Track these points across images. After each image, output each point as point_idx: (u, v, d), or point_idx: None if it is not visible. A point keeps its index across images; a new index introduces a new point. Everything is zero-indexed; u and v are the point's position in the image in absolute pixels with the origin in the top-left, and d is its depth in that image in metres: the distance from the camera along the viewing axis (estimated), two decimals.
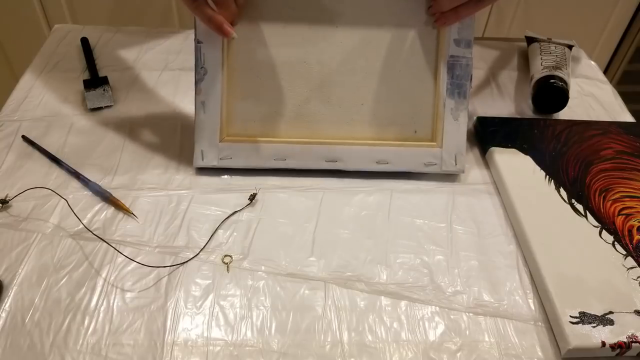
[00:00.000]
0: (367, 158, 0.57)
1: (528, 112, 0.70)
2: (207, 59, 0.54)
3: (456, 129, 0.57)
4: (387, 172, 0.58)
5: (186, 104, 0.66)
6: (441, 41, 0.55)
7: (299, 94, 0.57)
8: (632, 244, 0.51)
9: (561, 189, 0.56)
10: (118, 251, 0.49)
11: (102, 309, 0.45)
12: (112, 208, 0.54)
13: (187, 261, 0.49)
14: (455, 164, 0.57)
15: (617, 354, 0.44)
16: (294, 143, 0.57)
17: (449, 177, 0.59)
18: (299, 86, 0.57)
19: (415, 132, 0.58)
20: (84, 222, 0.52)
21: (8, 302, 0.45)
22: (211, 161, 0.57)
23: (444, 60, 0.56)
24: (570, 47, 0.76)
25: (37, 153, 0.59)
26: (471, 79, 0.56)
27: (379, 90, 0.57)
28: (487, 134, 0.62)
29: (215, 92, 0.55)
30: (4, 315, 0.44)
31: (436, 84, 0.57)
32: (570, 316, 0.44)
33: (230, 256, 0.50)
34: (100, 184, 0.55)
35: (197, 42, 0.54)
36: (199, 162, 0.57)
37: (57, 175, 0.56)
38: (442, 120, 0.57)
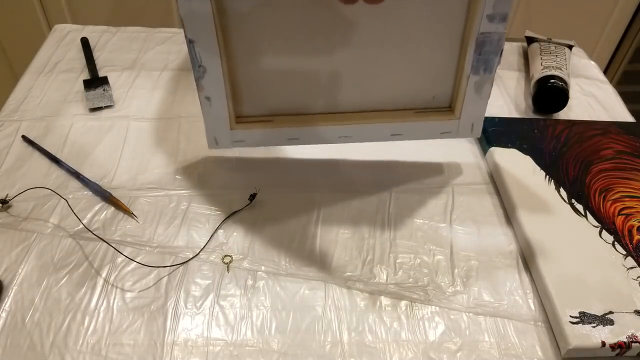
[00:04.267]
0: (383, 132, 0.55)
1: (528, 112, 0.70)
2: (204, 57, 0.51)
3: (477, 101, 0.54)
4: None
5: (186, 104, 0.67)
6: (472, 16, 0.50)
7: (308, 70, 0.53)
8: (632, 244, 0.51)
9: (561, 189, 0.56)
10: (118, 251, 0.49)
11: (102, 309, 0.45)
12: (112, 208, 0.54)
13: (187, 261, 0.49)
14: (472, 131, 0.55)
15: (617, 354, 0.44)
16: (306, 125, 0.54)
17: (449, 177, 0.59)
18: (307, 63, 0.53)
19: (434, 97, 0.55)
20: (84, 222, 0.52)
21: (8, 302, 0.45)
22: (225, 145, 0.55)
23: (472, 38, 0.50)
24: (570, 47, 0.76)
25: (37, 153, 0.59)
26: (501, 54, 0.52)
27: (397, 60, 0.53)
28: (487, 134, 0.62)
29: (219, 86, 0.53)
30: (4, 315, 0.44)
31: (461, 57, 0.53)
32: (570, 316, 0.44)
33: (230, 256, 0.50)
34: (100, 184, 0.55)
35: (189, 41, 0.50)
36: (213, 146, 0.55)
37: (57, 175, 0.56)
38: (464, 94, 0.53)
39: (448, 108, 0.55)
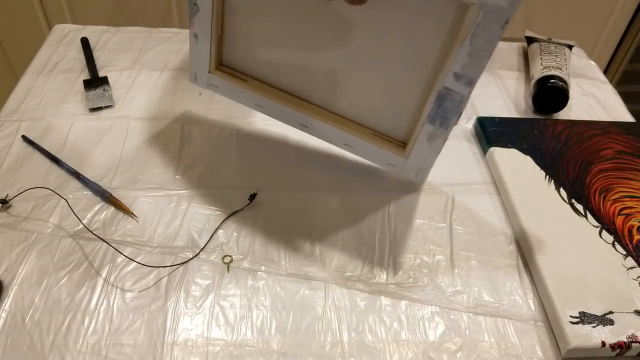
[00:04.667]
0: (336, 137, 0.56)
1: (528, 112, 0.70)
2: None
3: (427, 151, 0.53)
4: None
5: (186, 104, 0.67)
6: (440, 68, 0.49)
7: (290, 52, 0.54)
8: (632, 244, 0.51)
9: (561, 189, 0.56)
10: (118, 251, 0.49)
11: (102, 309, 0.45)
12: (112, 208, 0.54)
13: (187, 261, 0.49)
14: (416, 176, 0.55)
15: (617, 354, 0.44)
16: (275, 100, 0.57)
17: (449, 177, 0.59)
18: (288, 42, 0.53)
19: (395, 128, 0.55)
20: (84, 222, 0.52)
21: (8, 302, 0.45)
22: (202, 84, 0.60)
23: (436, 89, 0.49)
24: (570, 47, 0.76)
25: (37, 153, 0.59)
26: (459, 116, 0.50)
27: (372, 77, 0.53)
28: (487, 134, 0.62)
29: (206, 28, 0.55)
30: (4, 315, 0.44)
31: (420, 104, 0.52)
32: (570, 316, 0.44)
33: (230, 256, 0.50)
34: (100, 184, 0.55)
35: None
36: (192, 81, 0.60)
37: (57, 175, 0.56)
38: (416, 139, 0.53)
39: (402, 144, 0.55)
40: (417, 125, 0.52)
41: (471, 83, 0.47)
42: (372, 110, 0.55)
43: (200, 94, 0.68)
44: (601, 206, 0.54)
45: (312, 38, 0.53)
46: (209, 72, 0.58)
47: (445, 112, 0.50)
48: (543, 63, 0.71)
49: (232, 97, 0.59)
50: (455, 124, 0.51)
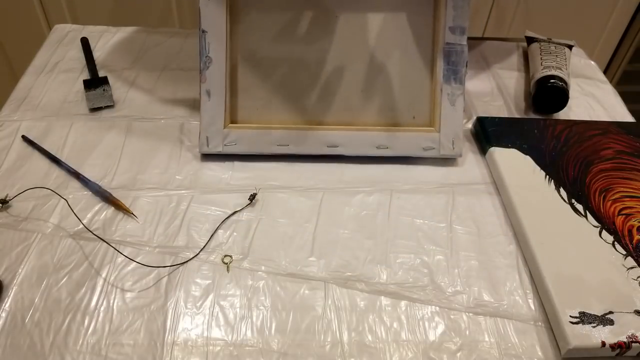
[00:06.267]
0: (367, 143, 0.59)
1: (528, 112, 0.70)
2: (212, 48, 0.56)
3: (453, 114, 0.59)
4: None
5: (186, 104, 0.67)
6: (437, 29, 0.58)
7: (301, 82, 0.58)
8: (632, 244, 0.51)
9: (561, 189, 0.56)
10: (118, 251, 0.49)
11: (102, 309, 0.45)
12: (112, 208, 0.54)
13: (187, 261, 0.49)
14: (453, 148, 0.59)
15: (617, 354, 0.44)
16: (296, 129, 0.58)
17: (449, 177, 0.59)
18: (300, 74, 0.58)
19: (414, 117, 0.60)
20: (84, 222, 0.52)
21: (8, 302, 0.45)
22: (216, 147, 0.58)
23: (440, 48, 0.58)
24: (570, 47, 0.76)
25: (37, 153, 0.59)
26: (466, 65, 0.58)
27: (379, 77, 0.59)
28: (487, 134, 0.62)
29: (220, 81, 0.56)
30: (4, 315, 0.44)
31: (433, 70, 0.59)
32: (570, 316, 0.44)
33: (230, 256, 0.50)
34: (100, 184, 0.55)
35: (202, 31, 0.55)
36: (204, 149, 0.58)
37: (57, 175, 0.56)
38: (440, 105, 0.58)
39: (428, 125, 0.60)
40: (437, 93, 0.58)
41: (463, 31, 0.57)
42: (391, 109, 0.59)
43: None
44: (601, 206, 0.54)
45: (320, 59, 0.58)
46: (224, 127, 0.57)
47: (454, 67, 0.58)
48: (543, 63, 0.71)
49: (251, 148, 0.58)
50: (466, 73, 0.58)
